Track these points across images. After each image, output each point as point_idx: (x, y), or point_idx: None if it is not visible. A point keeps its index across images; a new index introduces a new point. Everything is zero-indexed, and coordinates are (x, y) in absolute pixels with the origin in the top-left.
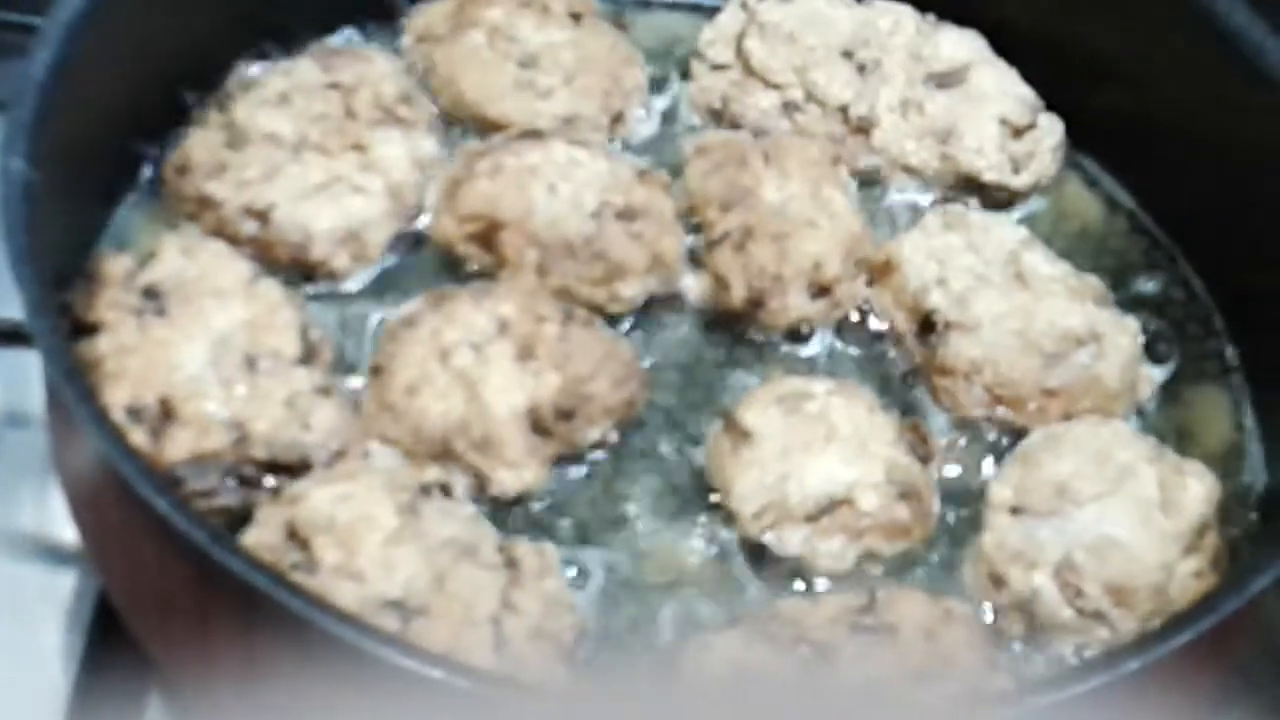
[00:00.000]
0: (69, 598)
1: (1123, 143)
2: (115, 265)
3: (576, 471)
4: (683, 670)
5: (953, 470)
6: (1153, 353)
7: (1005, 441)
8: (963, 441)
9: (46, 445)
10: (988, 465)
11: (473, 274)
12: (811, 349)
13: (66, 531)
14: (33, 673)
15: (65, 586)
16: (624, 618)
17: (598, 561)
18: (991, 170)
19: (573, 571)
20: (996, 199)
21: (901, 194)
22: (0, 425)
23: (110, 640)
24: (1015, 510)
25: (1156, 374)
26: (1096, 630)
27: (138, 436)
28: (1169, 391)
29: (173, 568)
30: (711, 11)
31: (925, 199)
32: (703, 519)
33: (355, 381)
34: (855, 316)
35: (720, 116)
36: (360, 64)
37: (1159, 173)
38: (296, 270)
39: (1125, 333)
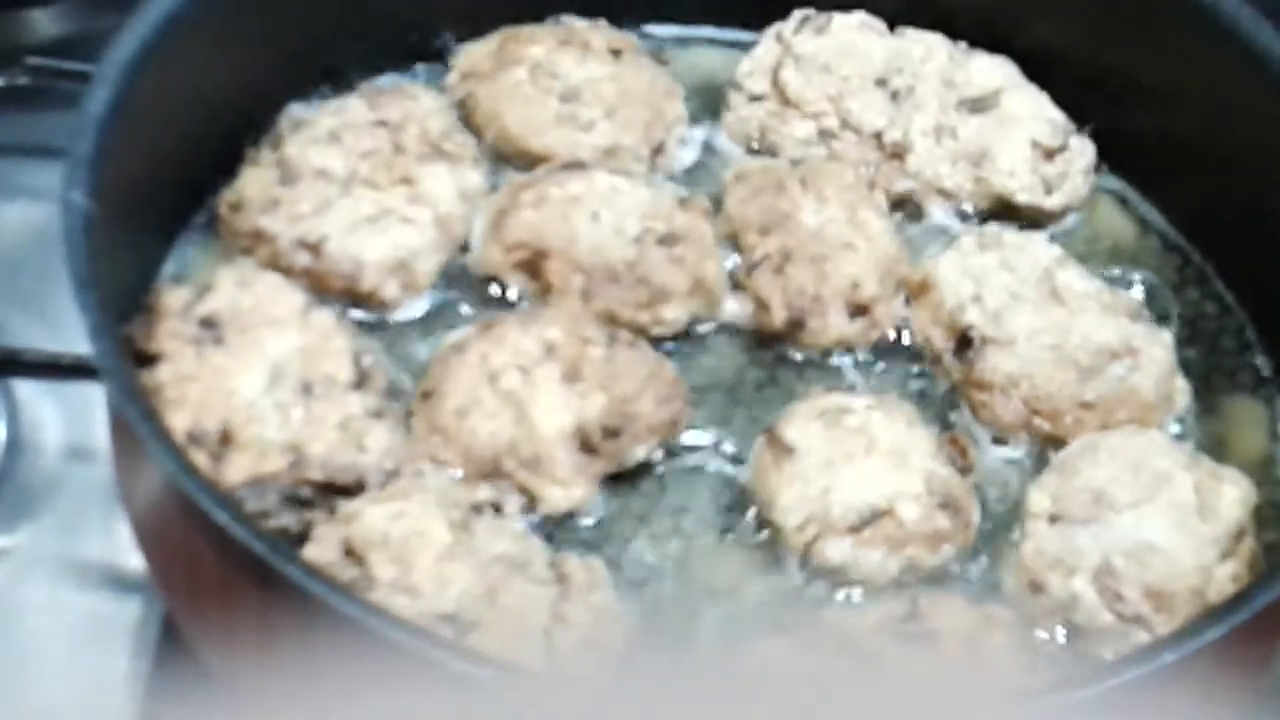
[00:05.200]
0: (135, 624)
1: (1153, 163)
2: (173, 297)
3: (624, 489)
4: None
5: (992, 481)
6: (1186, 366)
7: (1043, 453)
8: (1001, 454)
9: (111, 477)
10: (1027, 476)
11: (519, 301)
12: (851, 367)
13: (131, 560)
14: (102, 696)
15: (131, 614)
16: (671, 630)
17: (644, 576)
18: (1024, 192)
19: (620, 585)
20: (1030, 220)
21: (936, 216)
22: (65, 460)
23: (175, 664)
24: (1054, 518)
25: (1190, 387)
26: (1136, 634)
27: (198, 461)
28: (1204, 403)
29: (234, 580)
30: (748, 47)
31: (960, 221)
32: (747, 533)
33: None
34: (893, 335)
35: (758, 145)
36: (407, 102)
37: (1189, 191)
38: (348, 300)
39: (1160, 345)
